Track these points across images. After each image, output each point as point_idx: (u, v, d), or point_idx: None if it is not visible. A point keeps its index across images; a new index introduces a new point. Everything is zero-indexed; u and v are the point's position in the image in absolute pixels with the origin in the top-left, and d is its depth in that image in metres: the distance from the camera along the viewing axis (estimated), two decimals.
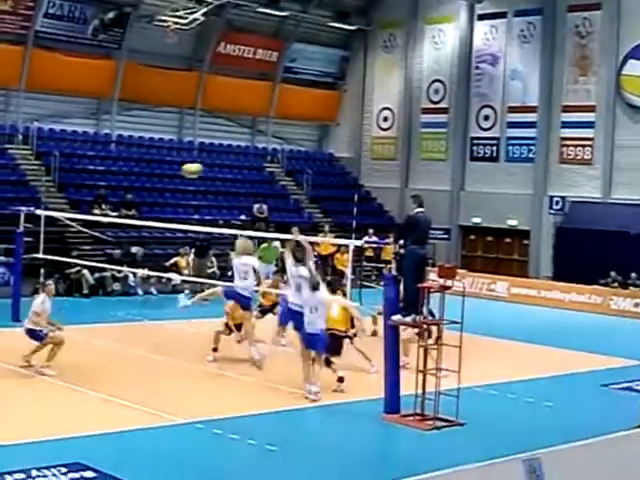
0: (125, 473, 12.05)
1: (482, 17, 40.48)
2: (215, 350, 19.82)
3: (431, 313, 16.67)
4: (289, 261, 17.69)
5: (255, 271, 19.13)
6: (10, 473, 11.74)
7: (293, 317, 17.55)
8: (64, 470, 12.04)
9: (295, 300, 17.26)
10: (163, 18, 36.39)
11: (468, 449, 14.10)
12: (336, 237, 33.90)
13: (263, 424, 15.10)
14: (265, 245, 30.39)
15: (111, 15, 37.70)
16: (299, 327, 17.13)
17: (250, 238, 21.63)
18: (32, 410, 15.24)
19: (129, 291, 31.09)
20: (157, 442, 13.90)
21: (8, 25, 35.46)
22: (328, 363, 17.47)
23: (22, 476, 11.75)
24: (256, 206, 37.15)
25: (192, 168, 25.18)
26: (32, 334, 18.24)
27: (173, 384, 17.74)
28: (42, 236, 23.88)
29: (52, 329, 18.17)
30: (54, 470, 11.99)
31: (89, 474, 12.03)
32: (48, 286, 19.19)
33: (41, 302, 18.49)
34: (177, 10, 36.33)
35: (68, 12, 36.65)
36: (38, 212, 25.21)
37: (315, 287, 16.82)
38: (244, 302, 18.98)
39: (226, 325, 19.96)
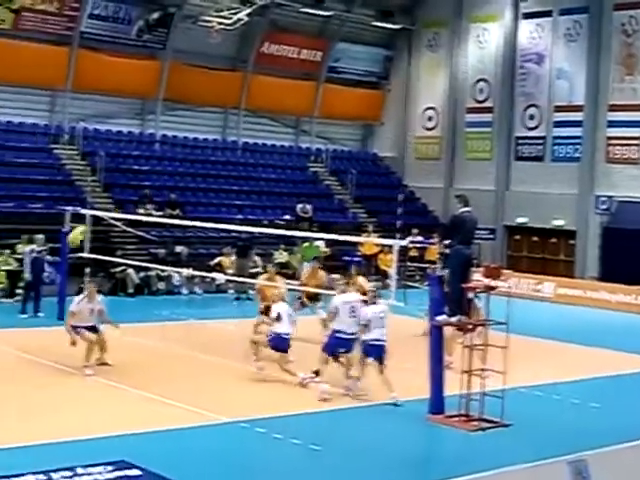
0: (170, 471, 12.06)
1: (527, 16, 40.20)
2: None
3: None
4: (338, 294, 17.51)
5: None
6: (56, 471, 11.79)
7: (344, 344, 17.23)
8: (110, 468, 12.07)
9: (347, 329, 17.03)
10: (207, 18, 36.51)
11: (513, 450, 14.01)
12: (380, 237, 33.82)
13: (307, 424, 15.08)
14: (307, 244, 30.40)
15: (155, 15, 37.89)
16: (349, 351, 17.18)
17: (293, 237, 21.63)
18: (78, 408, 15.32)
19: (174, 290, 31.23)
20: (202, 441, 13.92)
21: (54, 26, 35.77)
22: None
23: (68, 474, 11.80)
24: (300, 206, 37.21)
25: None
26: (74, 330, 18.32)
27: (217, 383, 17.78)
28: (88, 235, 23.99)
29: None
30: (100, 468, 12.02)
31: (134, 472, 12.05)
32: (88, 288, 19.06)
33: (76, 302, 18.57)
34: (221, 10, 36.44)
35: (113, 13, 36.90)
36: (84, 212, 25.36)
37: (374, 301, 16.91)
38: None
39: None
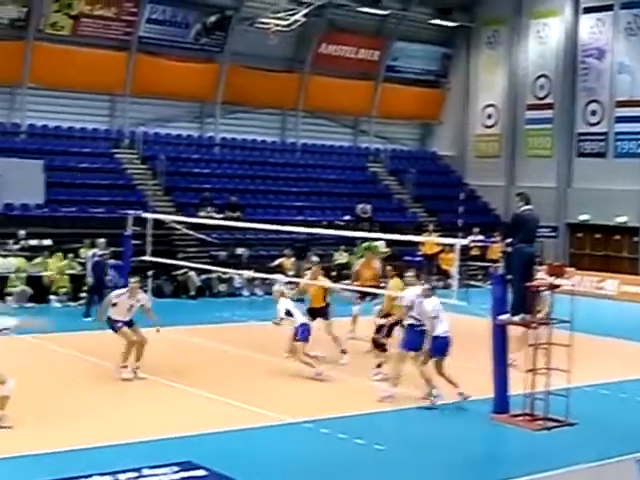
0: (235, 472, 12.09)
1: (588, 10, 39.76)
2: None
3: None
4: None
5: None
6: (123, 472, 11.88)
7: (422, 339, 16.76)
8: (175, 469, 12.13)
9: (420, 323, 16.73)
10: (264, 20, 36.59)
11: (579, 449, 13.88)
12: (441, 236, 33.68)
13: (370, 424, 15.04)
14: (366, 244, 30.32)
15: (213, 19, 38.09)
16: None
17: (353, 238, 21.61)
18: (142, 410, 15.43)
19: (235, 292, 31.35)
20: (266, 441, 13.95)
21: (112, 31, 36.11)
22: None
23: (135, 475, 11.88)
24: (359, 206, 37.16)
25: None
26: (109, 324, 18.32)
27: (278, 383, 17.81)
28: (149, 239, 24.16)
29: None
30: (165, 469, 12.09)
31: (200, 473, 12.10)
32: (131, 283, 18.76)
33: (117, 295, 18.49)
34: (278, 12, 36.50)
35: (170, 17, 37.16)
36: (145, 215, 25.53)
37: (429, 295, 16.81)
38: None
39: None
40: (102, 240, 26.04)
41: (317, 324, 19.88)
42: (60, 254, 28.69)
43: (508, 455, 14.50)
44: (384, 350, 18.30)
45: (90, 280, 25.75)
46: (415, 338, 16.54)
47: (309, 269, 21.86)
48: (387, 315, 18.47)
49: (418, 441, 14.27)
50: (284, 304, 18.61)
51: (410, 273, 17.47)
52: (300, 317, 18.63)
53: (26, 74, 34.60)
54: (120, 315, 18.23)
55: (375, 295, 21.41)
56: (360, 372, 18.44)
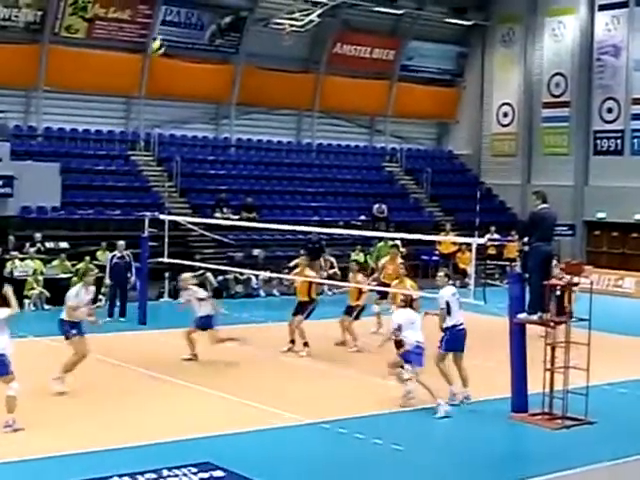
0: (254, 473, 12.09)
1: (603, 7, 39.66)
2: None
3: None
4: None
5: None
6: (142, 473, 11.89)
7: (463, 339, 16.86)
8: (194, 470, 12.13)
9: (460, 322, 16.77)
10: (279, 21, 36.62)
11: (598, 448, 13.84)
12: (458, 235, 33.63)
13: (388, 423, 15.00)
14: (382, 244, 30.31)
15: (227, 20, 38.14)
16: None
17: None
18: (161, 411, 15.41)
19: (252, 293, 31.34)
20: (284, 442, 13.93)
21: (127, 34, 36.20)
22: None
23: (153, 476, 11.89)
24: (376, 206, 37.12)
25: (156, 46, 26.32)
26: (60, 326, 17.08)
27: (296, 384, 17.79)
28: (166, 240, 24.18)
29: (92, 321, 17.24)
30: (184, 470, 12.10)
31: (219, 474, 12.10)
32: (87, 276, 17.83)
33: (75, 294, 17.07)
34: (293, 12, 36.52)
35: (185, 19, 37.22)
36: (162, 217, 25.55)
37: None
38: None
39: None
40: (121, 242, 26.04)
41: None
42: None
43: (527, 454, 14.44)
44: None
45: (107, 282, 25.85)
46: (458, 339, 16.57)
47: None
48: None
49: (436, 441, 14.25)
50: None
51: (441, 274, 17.39)
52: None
53: (42, 77, 34.72)
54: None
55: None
56: (376, 371, 18.40)
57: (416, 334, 16.17)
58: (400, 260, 24.02)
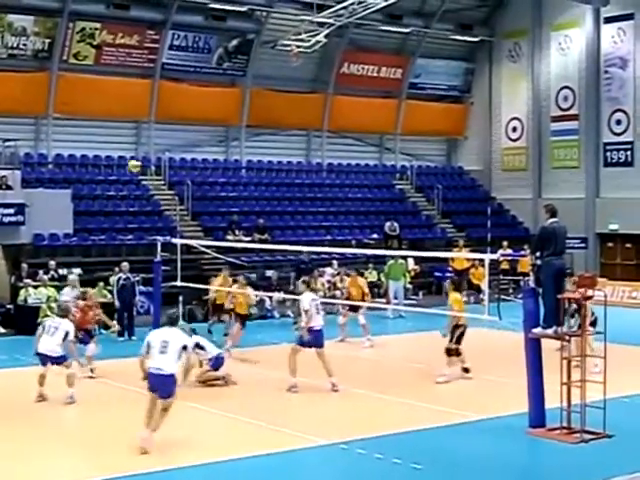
0: None
1: (608, 20, 39.68)
2: None
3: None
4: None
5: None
6: None
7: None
8: None
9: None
10: (286, 42, 36.71)
11: (617, 462, 13.76)
12: (470, 251, 33.57)
13: (406, 442, 14.92)
14: (392, 262, 30.29)
15: (234, 43, 38.29)
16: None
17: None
18: (184, 435, 15.31)
19: (266, 314, 31.29)
20: (303, 463, 13.92)
21: (135, 59, 36.37)
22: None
23: None
24: (387, 224, 37.11)
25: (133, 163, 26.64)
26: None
27: (312, 405, 17.73)
28: (179, 264, 24.18)
29: None
30: None
31: None
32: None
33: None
34: (299, 33, 36.61)
35: (192, 43, 37.37)
36: (174, 241, 25.59)
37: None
38: None
39: None
40: (125, 264, 26.47)
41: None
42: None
43: (546, 469, 14.33)
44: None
45: (116, 304, 26.08)
46: (317, 337, 18.80)
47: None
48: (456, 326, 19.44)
49: (455, 458, 14.15)
50: (195, 339, 18.86)
51: (300, 282, 20.19)
52: (213, 349, 19.57)
53: (51, 104, 34.90)
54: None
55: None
56: (392, 390, 18.37)
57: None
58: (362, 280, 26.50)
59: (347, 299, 25.67)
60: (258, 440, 14.97)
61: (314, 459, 14.15)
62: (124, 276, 26.27)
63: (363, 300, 25.71)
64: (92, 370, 20.21)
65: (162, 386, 14.02)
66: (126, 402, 17.55)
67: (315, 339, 18.71)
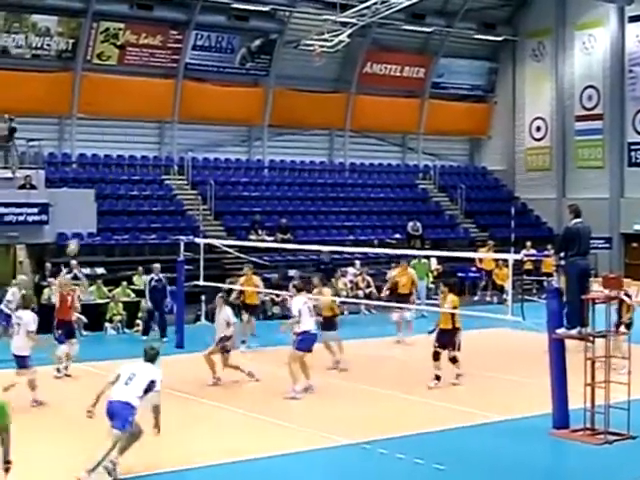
0: None
1: (633, 19, 39.49)
2: None
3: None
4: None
5: None
6: None
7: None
8: None
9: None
10: (309, 42, 36.68)
11: None
12: (494, 252, 33.44)
13: (429, 443, 14.88)
14: (416, 261, 30.23)
15: (257, 43, 38.32)
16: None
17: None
18: (204, 434, 15.31)
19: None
20: (325, 463, 13.92)
21: (159, 60, 36.45)
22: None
23: None
24: (410, 224, 37.03)
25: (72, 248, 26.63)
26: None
27: (335, 405, 17.68)
28: (202, 263, 24.19)
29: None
30: None
31: None
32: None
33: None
34: (322, 33, 36.57)
35: (215, 43, 37.42)
36: (197, 240, 25.58)
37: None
38: None
39: None
40: (157, 265, 26.33)
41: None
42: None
43: (571, 471, 14.27)
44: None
45: (149, 305, 26.20)
46: (310, 342, 18.62)
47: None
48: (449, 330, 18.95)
49: (478, 459, 14.09)
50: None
51: (291, 285, 19.46)
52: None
53: (75, 104, 35.04)
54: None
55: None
56: (415, 390, 18.33)
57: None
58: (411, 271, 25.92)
59: (393, 289, 25.60)
60: (279, 440, 14.96)
61: (336, 459, 14.13)
62: (156, 277, 26.12)
63: (411, 292, 25.64)
64: (59, 370, 19.87)
65: (118, 413, 12.65)
66: None
67: (305, 342, 18.46)
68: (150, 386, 12.97)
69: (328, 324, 21.17)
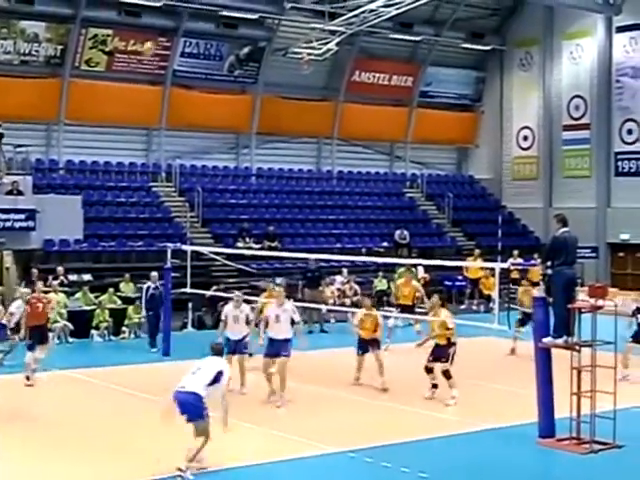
0: None
1: (620, 29, 39.64)
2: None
3: None
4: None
5: None
6: None
7: None
8: None
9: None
10: (297, 50, 36.72)
11: (627, 472, 13.79)
12: (482, 260, 33.48)
13: (415, 451, 14.88)
14: (402, 270, 30.23)
15: (246, 50, 38.33)
16: None
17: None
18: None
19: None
20: (310, 471, 13.88)
21: (147, 66, 36.43)
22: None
23: None
24: (397, 232, 37.10)
25: None
26: None
27: (321, 413, 17.67)
28: (189, 271, 24.16)
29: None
30: None
31: None
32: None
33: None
34: (311, 41, 36.62)
35: (204, 50, 37.43)
36: (184, 247, 25.54)
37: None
38: None
39: None
40: (155, 274, 26.00)
41: None
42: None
43: None
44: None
45: (145, 313, 25.95)
46: None
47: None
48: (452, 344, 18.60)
49: (464, 468, 14.10)
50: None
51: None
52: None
53: (62, 110, 35.00)
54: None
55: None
56: (402, 399, 18.33)
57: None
58: (416, 283, 25.62)
59: (397, 300, 25.95)
60: (265, 447, 14.95)
61: (322, 467, 14.11)
62: (153, 285, 25.83)
63: (413, 303, 25.56)
64: (28, 378, 19.56)
65: (188, 404, 13.14)
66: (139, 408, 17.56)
67: (275, 348, 18.42)
68: (217, 377, 13.40)
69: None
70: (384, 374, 19.70)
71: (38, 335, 20.03)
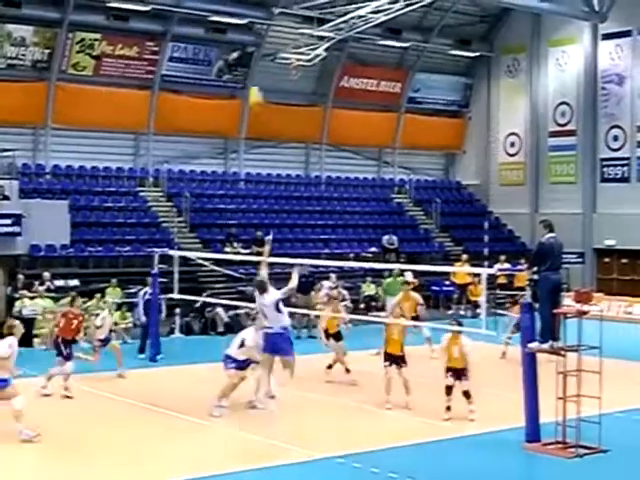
0: None
1: (606, 37, 39.81)
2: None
3: None
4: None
5: None
6: None
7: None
8: None
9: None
10: (286, 55, 36.74)
11: (612, 476, 13.86)
12: (469, 266, 33.49)
13: (403, 457, 14.91)
14: (390, 279, 30.23)
15: (235, 55, 38.37)
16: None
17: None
18: (178, 449, 15.26)
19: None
20: (299, 478, 13.90)
21: (135, 70, 36.40)
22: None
23: None
24: (385, 237, 37.17)
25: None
26: None
27: (308, 418, 17.67)
28: (176, 276, 24.14)
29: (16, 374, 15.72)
30: None
31: None
32: (15, 327, 15.85)
33: (8, 345, 15.36)
34: (299, 47, 36.64)
35: (192, 55, 37.45)
36: (172, 253, 25.50)
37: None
38: None
39: None
40: (150, 279, 25.94)
41: None
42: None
43: None
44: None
45: (144, 319, 25.72)
46: None
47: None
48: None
49: (451, 473, 14.15)
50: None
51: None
52: None
53: (49, 115, 34.94)
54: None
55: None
56: (394, 405, 18.35)
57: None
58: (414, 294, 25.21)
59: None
60: (252, 454, 14.95)
61: (310, 473, 14.11)
62: (150, 291, 25.83)
63: (417, 315, 24.78)
64: (44, 387, 19.35)
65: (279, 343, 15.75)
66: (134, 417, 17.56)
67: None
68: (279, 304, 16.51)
69: None
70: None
71: (67, 349, 19.73)
